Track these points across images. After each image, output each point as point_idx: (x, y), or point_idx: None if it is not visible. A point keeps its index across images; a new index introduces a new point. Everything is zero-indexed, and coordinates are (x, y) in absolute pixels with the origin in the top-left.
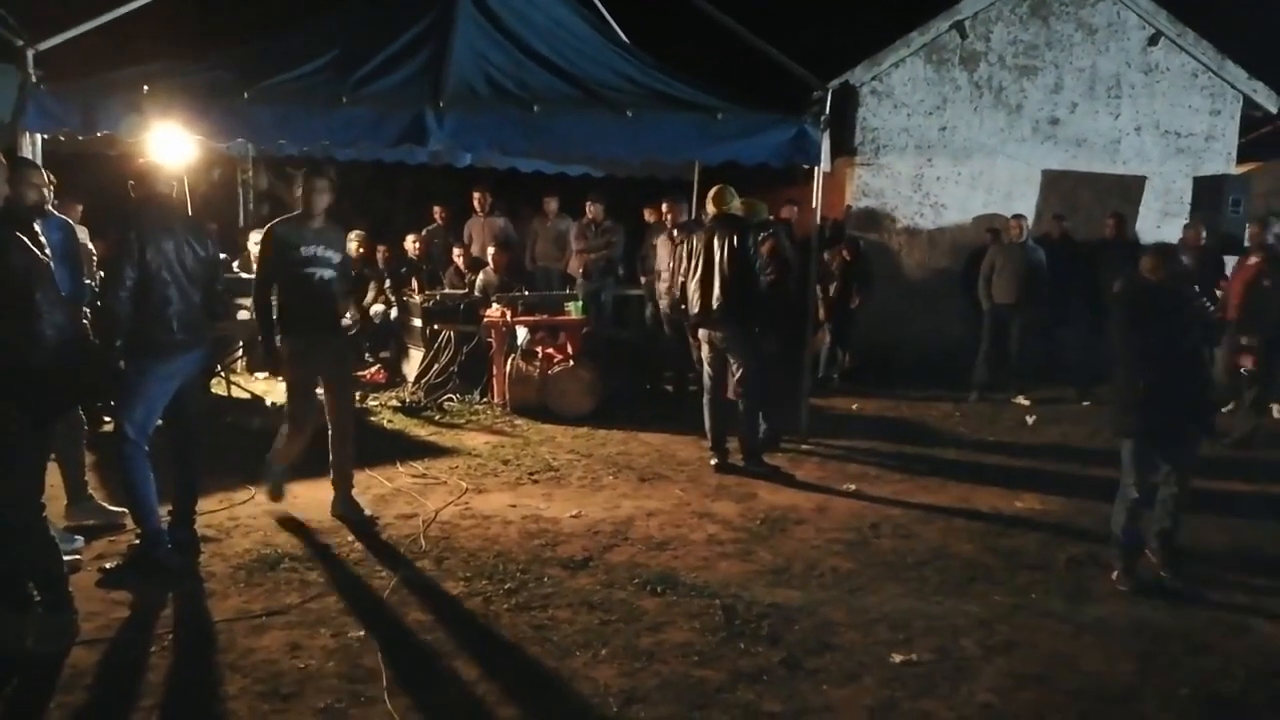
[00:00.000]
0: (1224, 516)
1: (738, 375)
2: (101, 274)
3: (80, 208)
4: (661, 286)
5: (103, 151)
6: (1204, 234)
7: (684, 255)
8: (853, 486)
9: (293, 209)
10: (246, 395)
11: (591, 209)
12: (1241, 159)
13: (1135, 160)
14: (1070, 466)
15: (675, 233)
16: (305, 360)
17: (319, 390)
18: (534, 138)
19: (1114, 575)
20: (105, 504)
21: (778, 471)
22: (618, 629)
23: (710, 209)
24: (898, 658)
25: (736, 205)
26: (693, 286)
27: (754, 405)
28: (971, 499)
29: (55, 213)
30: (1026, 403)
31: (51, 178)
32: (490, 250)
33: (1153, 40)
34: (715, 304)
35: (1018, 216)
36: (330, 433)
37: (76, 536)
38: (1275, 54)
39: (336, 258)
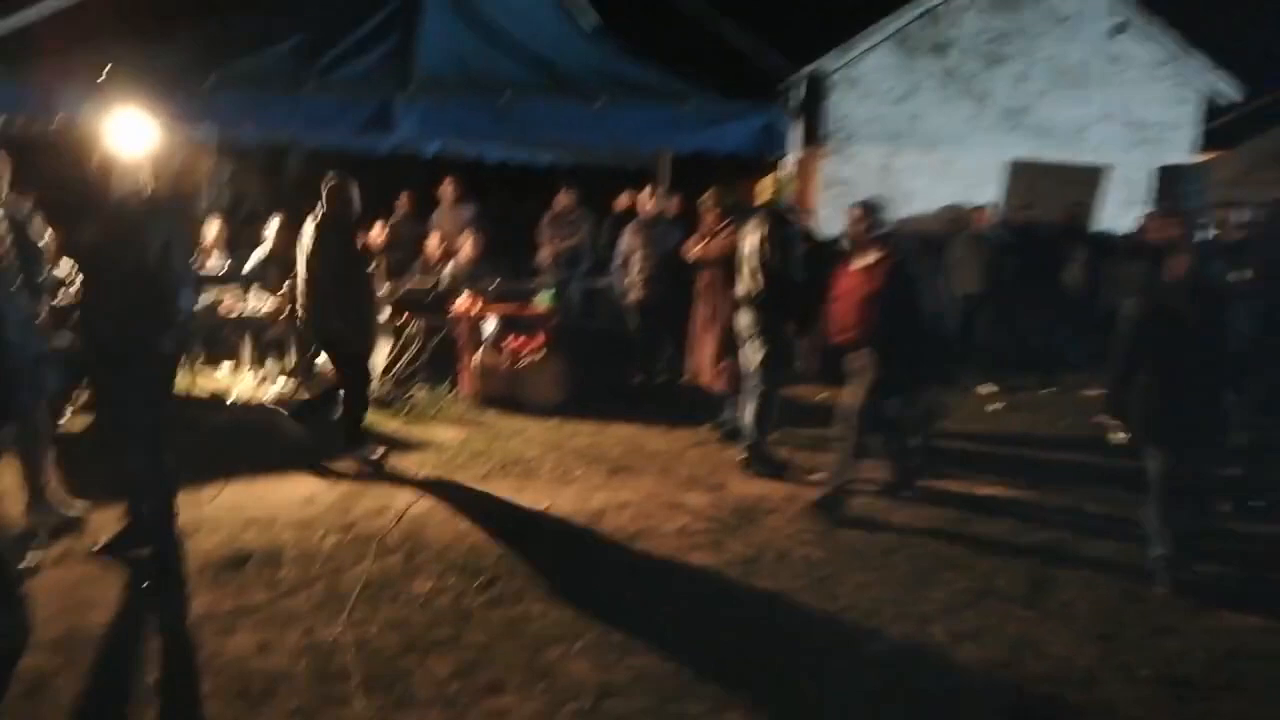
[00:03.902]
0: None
1: (756, 363)
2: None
3: (33, 196)
4: (631, 277)
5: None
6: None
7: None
8: (821, 476)
9: (250, 196)
10: (205, 393)
11: (564, 198)
12: (1205, 147)
13: (1100, 149)
14: (1034, 453)
15: (641, 223)
16: None
17: None
18: (502, 126)
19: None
20: (66, 501)
21: (784, 468)
22: (591, 622)
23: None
24: (868, 645)
25: (789, 194)
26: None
27: (765, 402)
28: (937, 487)
29: (10, 202)
30: (990, 391)
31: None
32: (463, 238)
33: (1119, 29)
34: (741, 292)
35: (978, 208)
36: None
37: (38, 536)
38: (1239, 43)
39: None
